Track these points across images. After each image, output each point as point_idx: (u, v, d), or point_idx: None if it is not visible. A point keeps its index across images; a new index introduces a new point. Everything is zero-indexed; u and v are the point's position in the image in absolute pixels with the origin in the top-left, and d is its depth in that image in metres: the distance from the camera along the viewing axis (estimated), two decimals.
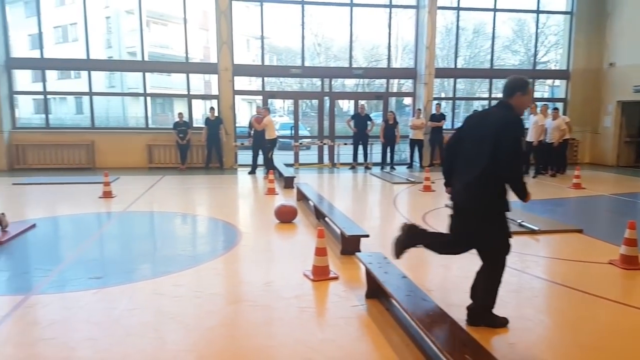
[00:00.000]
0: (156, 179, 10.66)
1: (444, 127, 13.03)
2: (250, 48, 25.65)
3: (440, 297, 3.78)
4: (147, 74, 13.18)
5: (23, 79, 18.52)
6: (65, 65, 15.47)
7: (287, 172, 10.28)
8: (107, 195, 8.28)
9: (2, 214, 5.71)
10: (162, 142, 12.72)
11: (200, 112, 17.26)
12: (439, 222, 6.66)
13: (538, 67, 16.10)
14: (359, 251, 4.85)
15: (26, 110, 23.97)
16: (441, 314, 2.97)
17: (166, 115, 26.35)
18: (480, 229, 3.20)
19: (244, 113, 25.19)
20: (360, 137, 12.67)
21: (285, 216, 6.53)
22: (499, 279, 3.31)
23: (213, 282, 4.36)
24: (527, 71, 15.19)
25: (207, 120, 12.38)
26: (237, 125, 13.55)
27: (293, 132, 14.11)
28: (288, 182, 9.56)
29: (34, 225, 6.14)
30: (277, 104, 27.46)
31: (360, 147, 12.76)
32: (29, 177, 10.60)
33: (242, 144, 12.95)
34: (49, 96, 13.36)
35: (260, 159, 11.61)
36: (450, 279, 4.56)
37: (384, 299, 3.76)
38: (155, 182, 10.17)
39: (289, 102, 29.13)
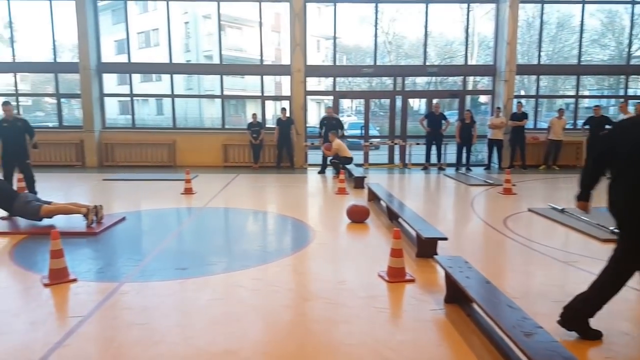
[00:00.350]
0: (231, 177, 11.07)
1: (526, 126, 12.39)
2: (320, 48, 25.90)
3: (525, 305, 3.58)
4: (223, 76, 13.71)
5: (109, 82, 20.05)
6: (150, 69, 16.51)
7: (357, 172, 10.26)
8: (188, 191, 8.73)
9: (100, 206, 6.20)
10: (236, 142, 13.19)
11: (271, 112, 17.73)
12: (521, 227, 6.34)
13: (633, 62, 14.81)
14: (436, 254, 4.72)
15: (112, 111, 25.90)
16: (531, 323, 2.81)
17: (239, 116, 27.33)
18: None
19: (313, 113, 25.50)
20: (434, 137, 12.36)
21: (358, 216, 6.52)
22: (614, 292, 3.09)
23: (289, 277, 4.45)
24: (620, 66, 14.04)
25: (279, 121, 12.66)
26: (307, 125, 13.74)
27: (363, 131, 14.07)
28: (358, 182, 9.54)
29: (124, 218, 6.60)
30: (344, 103, 27.54)
31: (434, 147, 12.45)
32: (116, 173, 11.42)
33: (312, 143, 13.11)
34: (134, 98, 14.27)
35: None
36: (534, 286, 4.32)
37: (464, 305, 3.64)
38: (230, 180, 10.57)
39: (356, 102, 29.08)
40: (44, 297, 3.87)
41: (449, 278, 3.72)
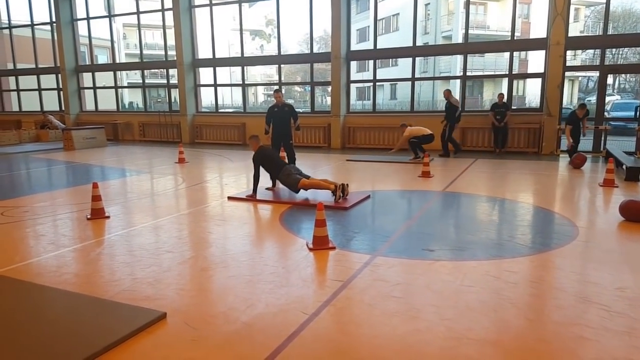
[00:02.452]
0: (469, 162, 10.61)
1: None
2: (579, 17, 22.51)
3: None
4: (461, 57, 13.16)
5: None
6: (393, 54, 16.95)
7: (629, 161, 8.53)
8: (426, 175, 8.73)
9: (347, 184, 6.69)
10: (475, 125, 12.58)
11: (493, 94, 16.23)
12: None
13: None
14: None
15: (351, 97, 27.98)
16: None
17: (475, 98, 26.15)
18: None
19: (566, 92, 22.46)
20: None
21: (635, 214, 5.39)
22: None
23: (550, 275, 3.94)
24: None
25: (495, 105, 11.50)
26: (563, 106, 12.12)
27: (638, 113, 11.65)
28: (631, 174, 7.93)
29: (369, 196, 6.99)
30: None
31: None
32: (358, 154, 12.23)
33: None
34: (376, 83, 14.98)
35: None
36: None
37: None
38: (468, 165, 10.14)
39: (621, 78, 24.34)
40: (310, 260, 4.35)
41: None
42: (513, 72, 12.72)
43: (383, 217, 6.10)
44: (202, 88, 17.02)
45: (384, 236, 5.05)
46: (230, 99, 26.05)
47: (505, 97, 12.16)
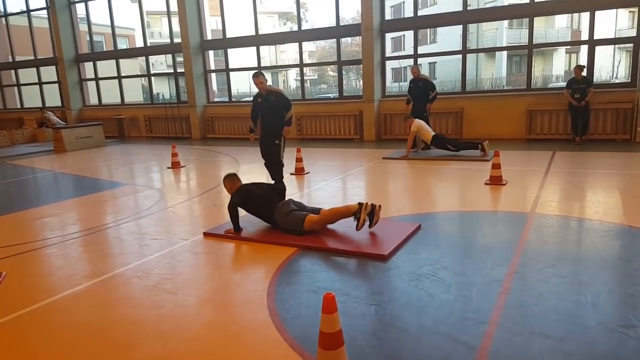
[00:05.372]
0: (545, 157, 7.92)
1: None
2: None
3: None
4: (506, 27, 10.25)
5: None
6: (436, 22, 14.01)
7: None
8: (497, 181, 6.14)
9: (379, 206, 4.23)
10: (547, 107, 9.80)
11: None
12: None
13: None
14: None
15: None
16: None
17: (523, 74, 22.72)
18: None
19: None
20: None
21: None
22: None
23: None
24: None
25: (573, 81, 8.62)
26: None
27: None
28: None
29: (419, 227, 4.51)
30: None
31: None
32: (395, 150, 9.69)
33: None
34: (418, 58, 12.28)
35: None
36: None
37: None
38: (548, 162, 7.44)
39: None
40: None
41: None
42: (594, 38, 9.72)
43: (460, 282, 3.44)
44: (213, 74, 14.75)
45: (470, 347, 2.57)
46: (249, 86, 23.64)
47: (585, 70, 9.29)
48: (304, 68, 14.81)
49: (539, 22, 10.52)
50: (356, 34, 11.81)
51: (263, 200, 4.57)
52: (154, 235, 4.76)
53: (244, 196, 4.55)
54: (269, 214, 4.53)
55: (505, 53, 23.87)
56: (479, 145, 8.16)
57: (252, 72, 6.44)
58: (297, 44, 13.07)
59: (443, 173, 7.25)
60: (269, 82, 6.66)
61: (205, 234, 4.65)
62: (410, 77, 9.88)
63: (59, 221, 5.57)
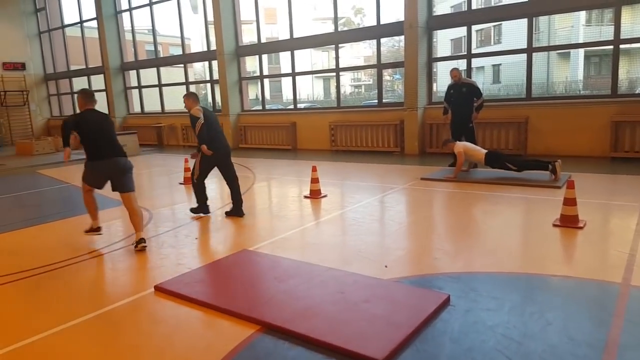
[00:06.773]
0: (636, 181, 6.06)
1: None
2: None
3: None
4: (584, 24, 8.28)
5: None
6: (497, 16, 12.10)
7: None
8: (571, 222, 4.49)
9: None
10: (636, 118, 7.83)
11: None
12: None
13: None
14: None
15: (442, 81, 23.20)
16: None
17: (604, 76, 19.87)
18: None
19: None
20: None
21: None
22: None
23: None
24: None
25: None
26: None
27: None
28: None
29: (448, 300, 3.06)
30: None
31: None
32: (436, 168, 8.11)
33: None
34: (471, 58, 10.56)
35: None
36: None
37: None
38: None
39: None
40: None
41: None
42: None
43: None
44: (247, 81, 13.83)
45: None
46: (292, 91, 22.48)
47: None
48: (353, 73, 13.52)
49: (626, 13, 8.44)
50: (398, 32, 10.34)
51: None
52: (115, 274, 3.64)
53: None
54: None
55: (581, 52, 21.05)
56: (548, 166, 6.43)
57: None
58: (350, 46, 11.82)
59: (496, 204, 5.63)
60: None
61: (157, 288, 3.47)
62: (449, 81, 8.27)
63: None
